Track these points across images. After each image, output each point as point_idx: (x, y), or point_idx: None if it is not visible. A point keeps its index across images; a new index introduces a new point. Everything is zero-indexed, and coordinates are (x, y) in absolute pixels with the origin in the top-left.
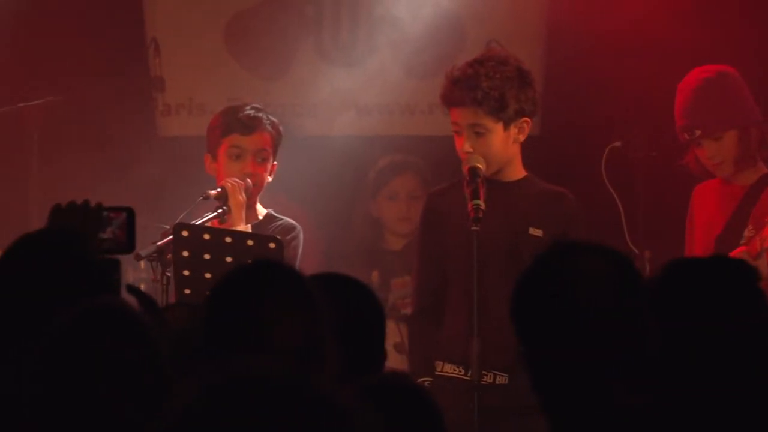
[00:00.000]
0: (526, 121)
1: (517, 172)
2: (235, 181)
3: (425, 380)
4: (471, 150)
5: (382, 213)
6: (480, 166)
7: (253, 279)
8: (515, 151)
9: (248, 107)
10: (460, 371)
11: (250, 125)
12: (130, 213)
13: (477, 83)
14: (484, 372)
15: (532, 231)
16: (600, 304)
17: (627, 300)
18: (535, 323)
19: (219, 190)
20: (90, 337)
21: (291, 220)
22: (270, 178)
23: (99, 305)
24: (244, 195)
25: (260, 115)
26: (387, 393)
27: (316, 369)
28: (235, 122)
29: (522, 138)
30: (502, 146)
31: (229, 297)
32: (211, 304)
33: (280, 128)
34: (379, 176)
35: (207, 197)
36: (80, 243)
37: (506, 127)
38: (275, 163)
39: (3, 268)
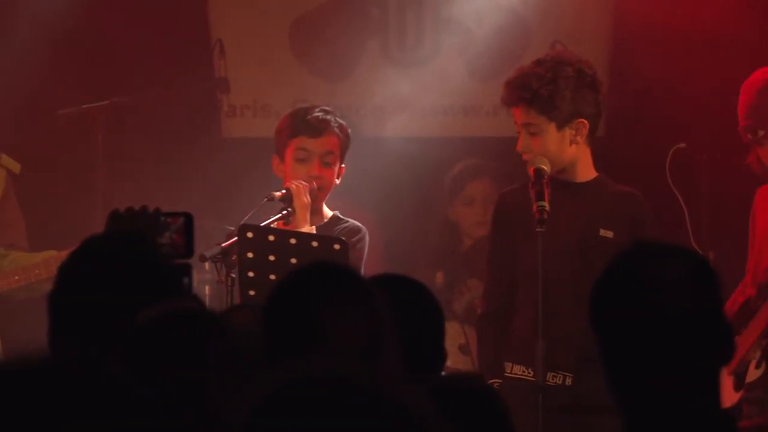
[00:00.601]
0: (582, 123)
1: (586, 173)
2: (300, 183)
3: (495, 382)
4: (524, 148)
5: (458, 217)
6: (544, 167)
7: (312, 280)
8: (579, 152)
9: (317, 109)
10: (528, 373)
11: (318, 128)
12: (188, 218)
13: (528, 83)
14: (552, 373)
15: (603, 232)
16: (680, 306)
17: (706, 301)
18: (614, 326)
19: (284, 191)
20: (172, 339)
21: (357, 223)
22: (338, 181)
23: (179, 309)
24: (308, 197)
25: (328, 117)
26: (455, 394)
27: (376, 370)
28: (302, 124)
29: (580, 139)
30: (557, 146)
31: (289, 298)
32: (271, 305)
33: (349, 131)
34: (454, 181)
35: (272, 199)
36: (150, 247)
37: (560, 127)
38: (343, 166)
39: (72, 269)
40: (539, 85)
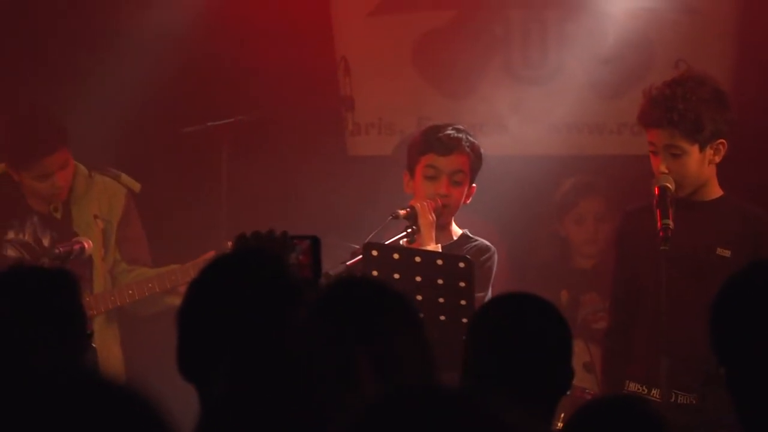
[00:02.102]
0: (722, 143)
1: (712, 192)
2: (425, 202)
3: None
4: (667, 171)
5: (569, 234)
6: (669, 185)
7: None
8: (711, 172)
9: (449, 127)
10: (643, 390)
11: (448, 146)
12: (315, 241)
13: (673, 104)
14: (674, 391)
15: (720, 251)
16: None
17: None
18: (738, 345)
19: (408, 209)
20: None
21: (486, 242)
22: (467, 201)
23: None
24: (433, 215)
25: (460, 136)
26: (625, 416)
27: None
28: (433, 142)
29: (718, 159)
30: (697, 168)
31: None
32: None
33: (481, 151)
34: (565, 198)
35: (396, 217)
36: (282, 265)
37: (702, 148)
38: (474, 185)
39: (205, 284)
40: (685, 107)
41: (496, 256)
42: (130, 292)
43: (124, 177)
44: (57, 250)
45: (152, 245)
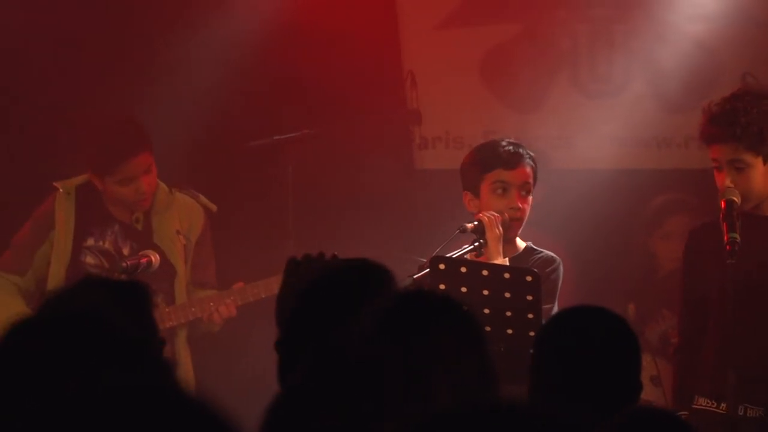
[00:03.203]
0: None
1: None
2: (492, 214)
3: (682, 414)
4: (732, 185)
5: (656, 250)
6: (736, 199)
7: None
8: None
9: (505, 142)
10: (712, 404)
11: (513, 160)
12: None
13: (735, 119)
14: (743, 405)
15: None
16: None
17: None
18: None
19: (475, 223)
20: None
21: (551, 254)
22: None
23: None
24: (500, 228)
25: (520, 150)
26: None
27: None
28: (496, 158)
29: None
30: (762, 180)
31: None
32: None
33: (536, 162)
34: (655, 215)
35: (464, 230)
36: (384, 277)
37: (766, 160)
38: (530, 196)
39: (306, 297)
40: (747, 121)
41: (561, 268)
42: (193, 309)
43: (202, 198)
44: (124, 264)
45: (220, 262)
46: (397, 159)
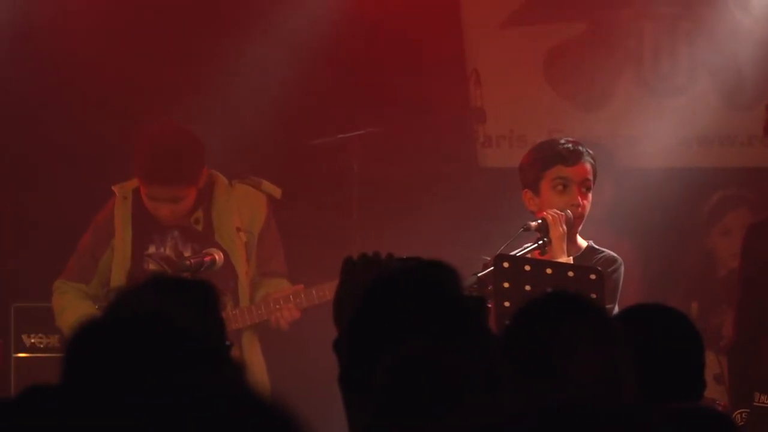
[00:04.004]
0: None
1: None
2: (556, 213)
3: (742, 411)
4: None
5: (715, 247)
6: None
7: (548, 310)
8: None
9: (563, 140)
10: None
11: (573, 157)
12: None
13: None
14: None
15: None
16: None
17: None
18: None
19: (539, 221)
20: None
21: (612, 253)
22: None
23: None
24: (564, 226)
25: (580, 147)
26: (695, 421)
27: (613, 397)
28: (556, 155)
29: None
30: None
31: (525, 327)
32: (508, 334)
33: (596, 159)
34: (713, 211)
35: (528, 229)
36: (453, 279)
37: None
38: (590, 193)
39: (373, 298)
40: None
41: (622, 268)
42: (278, 306)
43: (266, 183)
44: (188, 262)
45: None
46: (461, 157)
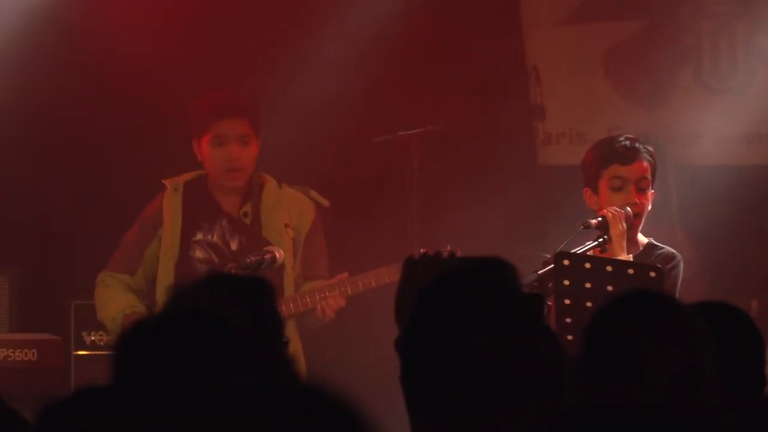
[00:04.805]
0: None
1: None
2: (616, 210)
3: None
4: None
5: None
6: None
7: (629, 308)
8: None
9: (622, 138)
10: None
11: (629, 155)
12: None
13: None
14: None
15: None
16: None
17: None
18: None
19: (599, 219)
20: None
21: (672, 250)
22: (649, 207)
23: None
24: (624, 224)
25: (637, 145)
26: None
27: (692, 398)
28: (613, 153)
29: None
30: None
31: (605, 326)
32: (588, 332)
33: (655, 157)
34: None
35: (588, 226)
36: (511, 276)
37: None
38: (652, 191)
39: (432, 294)
40: None
41: (681, 265)
42: (323, 295)
43: (313, 193)
44: (248, 260)
45: (340, 255)
46: (521, 155)
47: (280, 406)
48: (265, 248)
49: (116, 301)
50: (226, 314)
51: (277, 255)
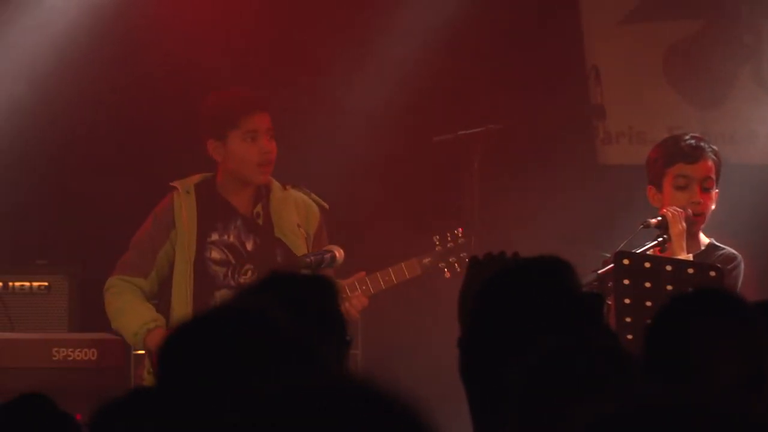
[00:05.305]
0: None
1: None
2: (676, 210)
3: None
4: None
5: None
6: None
7: (689, 308)
8: None
9: (688, 136)
10: None
11: (694, 154)
12: None
13: None
14: None
15: None
16: None
17: None
18: None
19: (659, 218)
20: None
21: (733, 250)
22: (713, 207)
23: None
24: (684, 224)
25: (702, 144)
26: None
27: (754, 400)
28: (678, 152)
29: None
30: None
31: (666, 325)
32: (649, 332)
33: (720, 156)
34: None
35: (647, 226)
36: (570, 275)
37: None
38: (716, 191)
39: (491, 294)
40: None
41: (742, 265)
42: (345, 295)
43: (314, 195)
44: (308, 259)
45: (404, 256)
46: (581, 154)
47: (343, 407)
48: (326, 247)
49: (135, 313)
50: (277, 314)
51: (337, 254)
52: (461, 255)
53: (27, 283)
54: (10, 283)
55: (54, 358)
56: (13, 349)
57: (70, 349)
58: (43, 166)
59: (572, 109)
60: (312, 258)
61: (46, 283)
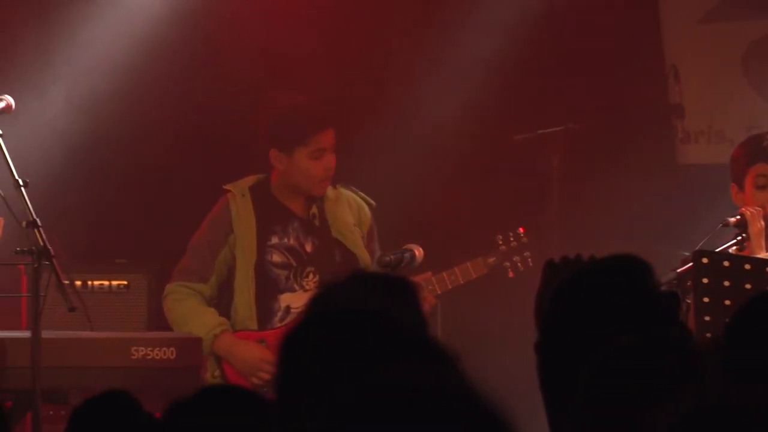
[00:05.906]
0: None
1: None
2: (755, 209)
3: None
4: None
5: None
6: None
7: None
8: None
9: None
10: None
11: None
12: None
13: None
14: None
15: None
16: None
17: None
18: None
19: (738, 217)
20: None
21: None
22: None
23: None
24: (762, 222)
25: None
26: None
27: None
28: (759, 151)
29: None
30: None
31: (745, 325)
32: (728, 331)
33: None
34: None
35: (726, 225)
36: (647, 274)
37: None
38: None
39: (568, 293)
40: None
41: None
42: (431, 287)
43: (362, 194)
44: (388, 258)
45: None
46: (660, 153)
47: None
48: (405, 246)
49: (201, 319)
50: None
51: (416, 253)
52: (525, 254)
53: (106, 282)
54: (90, 282)
55: (133, 357)
56: (92, 348)
57: (149, 348)
58: (122, 164)
59: (651, 109)
60: (391, 257)
61: (125, 282)
